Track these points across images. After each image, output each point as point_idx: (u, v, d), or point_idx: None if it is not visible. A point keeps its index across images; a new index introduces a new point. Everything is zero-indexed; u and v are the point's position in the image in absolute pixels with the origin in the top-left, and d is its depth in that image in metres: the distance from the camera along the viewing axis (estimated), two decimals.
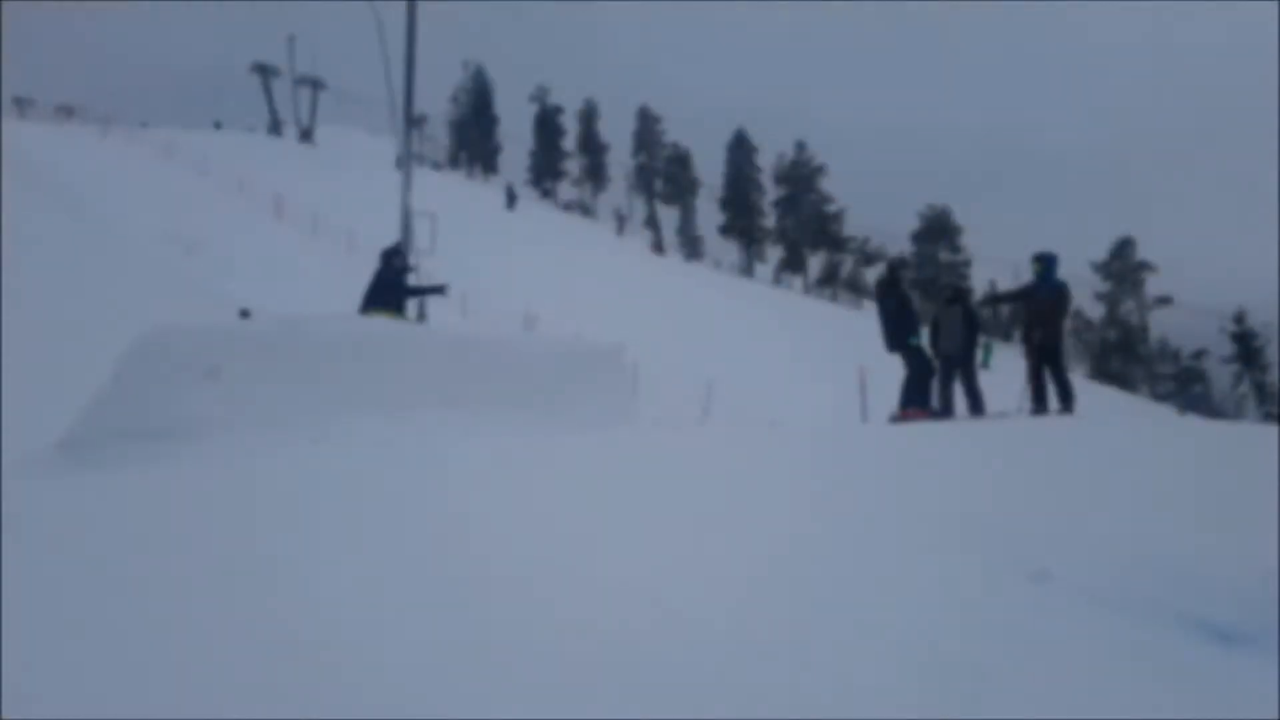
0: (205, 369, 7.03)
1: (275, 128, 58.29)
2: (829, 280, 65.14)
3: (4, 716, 2.12)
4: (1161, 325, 58.55)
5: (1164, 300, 56.47)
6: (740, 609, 3.05)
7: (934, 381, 11.17)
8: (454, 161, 72.81)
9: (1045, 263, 10.93)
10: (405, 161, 15.42)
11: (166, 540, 3.61)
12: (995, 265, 52.54)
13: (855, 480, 5.02)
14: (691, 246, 67.67)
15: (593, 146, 73.91)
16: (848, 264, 66.47)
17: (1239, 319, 49.87)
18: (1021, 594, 3.25)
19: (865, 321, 51.75)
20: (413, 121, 17.05)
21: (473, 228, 32.27)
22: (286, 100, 57.88)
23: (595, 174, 74.18)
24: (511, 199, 49.92)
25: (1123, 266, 58.29)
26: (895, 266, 12.37)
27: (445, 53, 58.20)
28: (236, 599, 2.96)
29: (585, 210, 70.97)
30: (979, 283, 58.18)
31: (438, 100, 72.95)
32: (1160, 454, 6.39)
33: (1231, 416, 44.63)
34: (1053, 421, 9.92)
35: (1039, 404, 10.83)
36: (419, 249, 14.19)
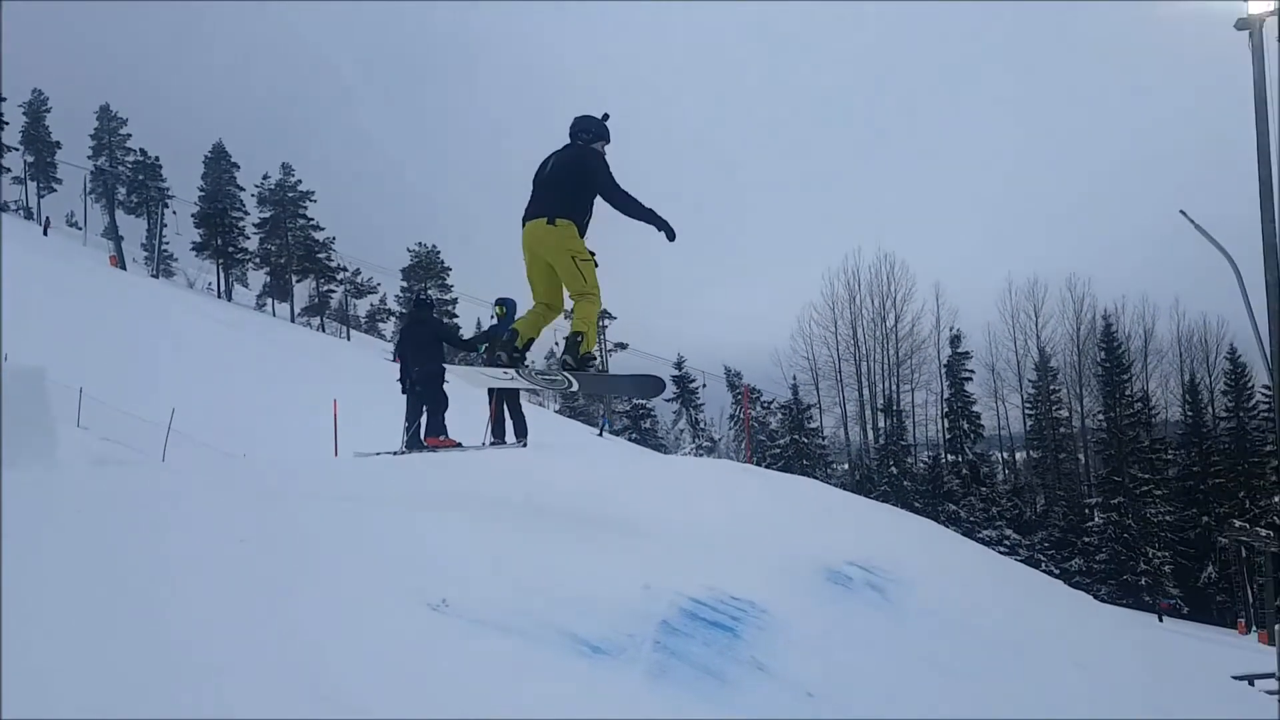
0: None
1: None
2: (317, 309, 63.13)
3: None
4: (619, 368, 66.26)
5: (621, 345, 64.03)
6: None
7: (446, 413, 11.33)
8: None
9: (506, 306, 11.72)
10: None
11: None
12: (483, 306, 55.29)
13: (298, 510, 4.85)
14: (161, 263, 61.30)
15: (39, 142, 64.11)
16: (337, 294, 65.06)
17: (679, 364, 58.18)
18: (421, 622, 3.35)
19: (354, 352, 50.86)
20: None
21: None
22: None
23: (42, 173, 64.33)
24: None
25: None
26: (426, 299, 12.36)
27: None
28: None
29: (28, 213, 61.12)
30: (466, 321, 60.68)
31: None
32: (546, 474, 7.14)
33: (671, 450, 51.59)
34: (509, 452, 10.64)
35: (498, 436, 11.54)
36: None
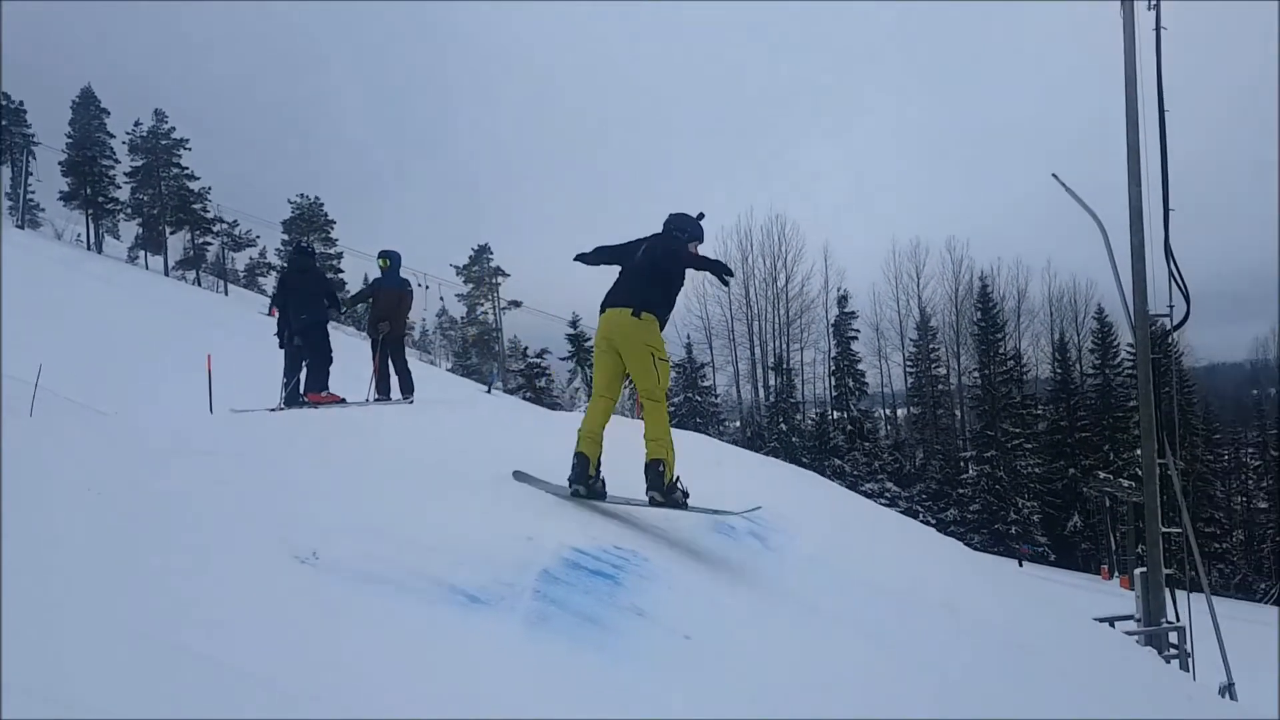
0: None
1: None
2: (193, 262, 60.26)
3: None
4: (513, 325, 65.73)
5: (515, 303, 63.33)
6: None
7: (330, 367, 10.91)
8: None
9: (390, 259, 11.39)
10: None
11: None
12: (369, 261, 53.76)
13: (161, 463, 4.62)
14: (26, 213, 57.44)
15: None
16: (214, 246, 62.19)
17: (574, 323, 57.87)
18: (287, 574, 3.23)
19: (232, 307, 48.93)
20: None
21: None
22: None
23: None
24: None
25: (481, 270, 63.87)
26: (308, 248, 11.70)
27: None
28: None
29: None
30: (353, 276, 59.05)
31: None
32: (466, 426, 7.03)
33: (567, 408, 51.46)
34: (393, 408, 10.37)
35: (383, 392, 11.25)
36: None
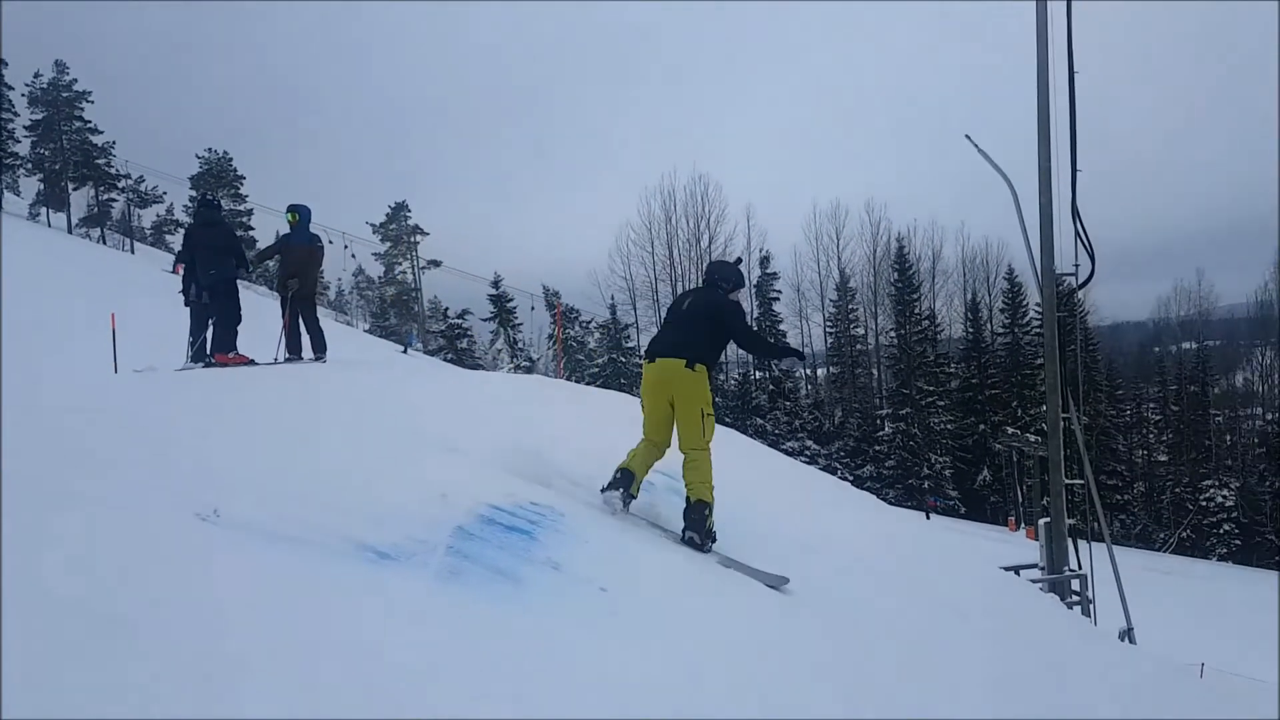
0: None
1: None
2: (97, 220, 57.68)
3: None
4: (433, 285, 64.48)
5: (435, 263, 62.12)
6: None
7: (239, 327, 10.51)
8: None
9: (299, 213, 11.04)
10: None
11: None
12: (280, 219, 52.15)
13: (56, 421, 4.41)
14: None
15: None
16: (119, 203, 59.58)
17: (496, 284, 57.17)
18: (187, 531, 3.13)
19: (138, 265, 47.13)
20: None
21: None
22: None
23: None
24: None
25: (399, 229, 62.51)
26: (214, 201, 11.19)
27: None
28: None
29: None
30: (264, 235, 57.30)
31: None
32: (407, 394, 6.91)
33: (490, 370, 50.99)
34: (304, 367, 10.12)
35: (294, 352, 10.96)
36: None
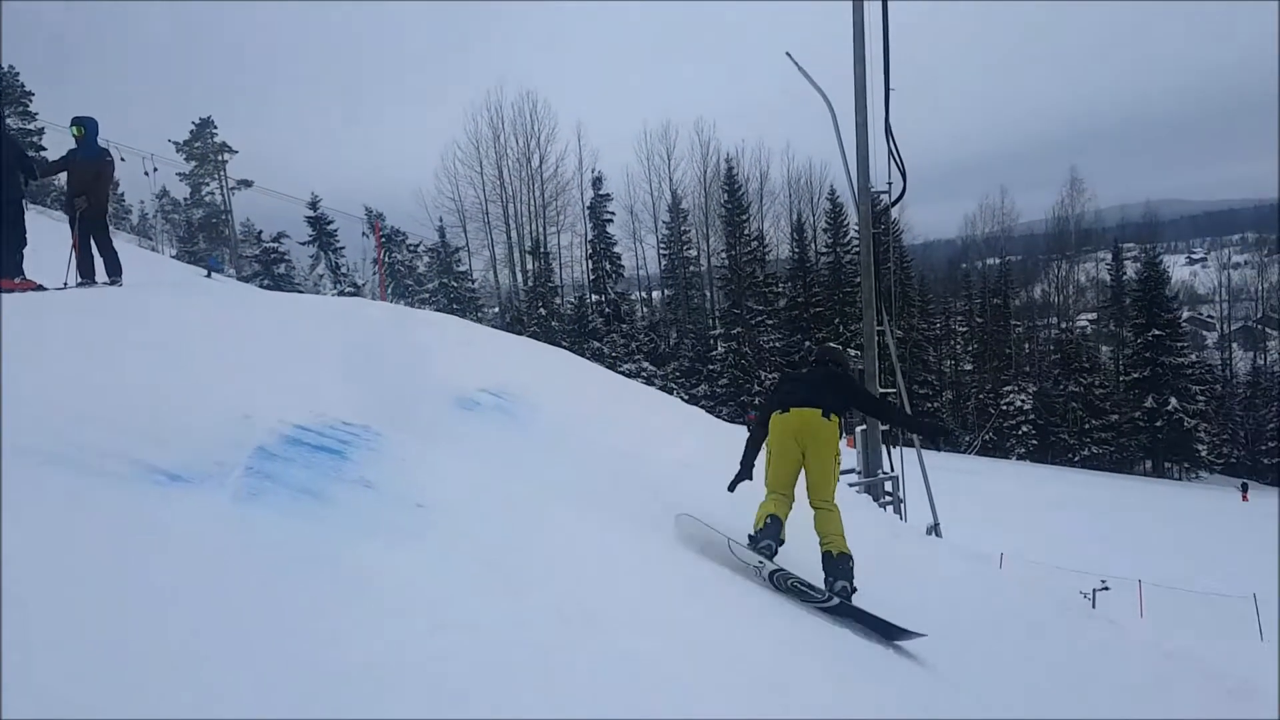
0: None
1: None
2: None
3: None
4: (246, 208, 60.64)
5: (246, 183, 58.35)
6: None
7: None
8: None
9: (85, 126, 10.07)
10: None
11: None
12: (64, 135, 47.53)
13: None
14: None
15: None
16: None
17: (314, 205, 54.31)
18: None
19: None
20: None
21: None
22: None
23: None
24: None
25: (204, 147, 58.35)
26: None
27: None
28: None
29: None
30: (56, 154, 52.26)
31: None
32: (182, 315, 6.46)
33: (311, 292, 48.67)
34: (96, 291, 9.34)
35: (86, 275, 10.09)
36: None
